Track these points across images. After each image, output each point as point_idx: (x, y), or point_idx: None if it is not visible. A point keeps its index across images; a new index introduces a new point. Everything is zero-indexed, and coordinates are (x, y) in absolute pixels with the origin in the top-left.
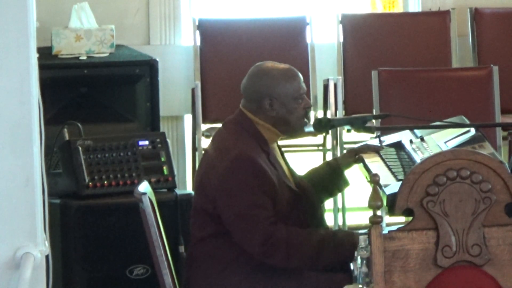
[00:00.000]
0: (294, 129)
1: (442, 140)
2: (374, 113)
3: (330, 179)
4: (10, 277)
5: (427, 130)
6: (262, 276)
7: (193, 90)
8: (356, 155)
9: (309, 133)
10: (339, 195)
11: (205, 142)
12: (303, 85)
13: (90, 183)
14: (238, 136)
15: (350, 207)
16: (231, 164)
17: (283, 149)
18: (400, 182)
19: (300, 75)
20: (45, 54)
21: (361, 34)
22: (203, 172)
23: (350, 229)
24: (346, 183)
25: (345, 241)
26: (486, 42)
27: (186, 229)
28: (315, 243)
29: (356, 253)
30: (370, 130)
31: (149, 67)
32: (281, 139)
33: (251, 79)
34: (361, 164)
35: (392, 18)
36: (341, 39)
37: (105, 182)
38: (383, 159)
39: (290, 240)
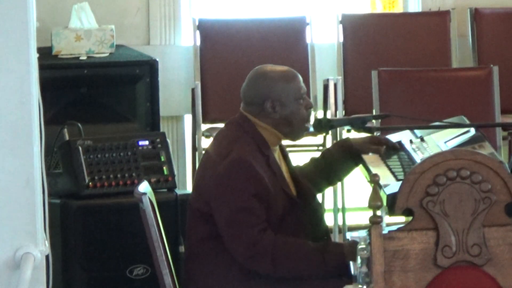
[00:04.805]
0: (296, 130)
1: (442, 140)
2: (374, 113)
3: (344, 159)
4: (10, 277)
5: (427, 130)
6: (260, 279)
7: (193, 90)
8: (374, 144)
9: (309, 133)
10: (339, 195)
11: (205, 142)
12: (303, 85)
13: (90, 183)
14: (238, 139)
15: (350, 207)
16: (227, 167)
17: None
18: (400, 182)
19: (299, 76)
20: (45, 54)
21: (361, 34)
22: (201, 173)
23: (350, 229)
24: (356, 163)
25: (332, 255)
26: (486, 42)
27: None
28: (302, 255)
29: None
30: (370, 130)
31: (149, 67)
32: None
33: (251, 83)
34: (361, 164)
35: (392, 18)
36: (341, 39)
37: (105, 182)
38: (383, 159)
39: (276, 249)
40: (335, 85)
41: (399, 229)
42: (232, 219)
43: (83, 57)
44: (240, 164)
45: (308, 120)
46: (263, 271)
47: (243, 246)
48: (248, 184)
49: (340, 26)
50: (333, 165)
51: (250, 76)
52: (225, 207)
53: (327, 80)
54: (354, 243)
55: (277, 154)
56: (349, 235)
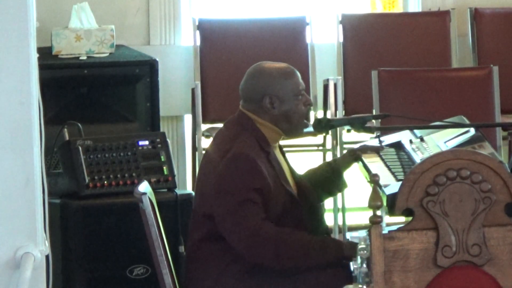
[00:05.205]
0: (295, 126)
1: (442, 140)
2: (374, 113)
3: (329, 179)
4: (10, 277)
5: (427, 130)
6: (260, 278)
7: (193, 90)
8: (355, 155)
9: (309, 133)
10: (339, 195)
11: (205, 142)
12: (302, 81)
13: (90, 183)
14: (238, 136)
15: (350, 207)
16: (227, 162)
17: (283, 149)
18: (400, 182)
19: (298, 72)
20: (45, 54)
21: (361, 34)
22: (203, 173)
23: (350, 229)
24: (344, 185)
25: (332, 248)
26: (486, 42)
27: (186, 229)
28: (304, 243)
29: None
30: (370, 130)
31: (149, 67)
32: (283, 139)
33: (250, 80)
34: (361, 164)
35: (392, 18)
36: (341, 39)
37: (105, 182)
38: (383, 159)
39: (279, 237)
40: (335, 85)
41: (399, 229)
42: (234, 211)
43: (83, 57)
44: (241, 158)
45: (307, 117)
46: (265, 261)
47: (246, 234)
48: (249, 177)
49: (340, 26)
50: (320, 183)
51: (248, 73)
52: (227, 200)
53: (327, 80)
54: (354, 243)
55: (277, 152)
56: (349, 235)
